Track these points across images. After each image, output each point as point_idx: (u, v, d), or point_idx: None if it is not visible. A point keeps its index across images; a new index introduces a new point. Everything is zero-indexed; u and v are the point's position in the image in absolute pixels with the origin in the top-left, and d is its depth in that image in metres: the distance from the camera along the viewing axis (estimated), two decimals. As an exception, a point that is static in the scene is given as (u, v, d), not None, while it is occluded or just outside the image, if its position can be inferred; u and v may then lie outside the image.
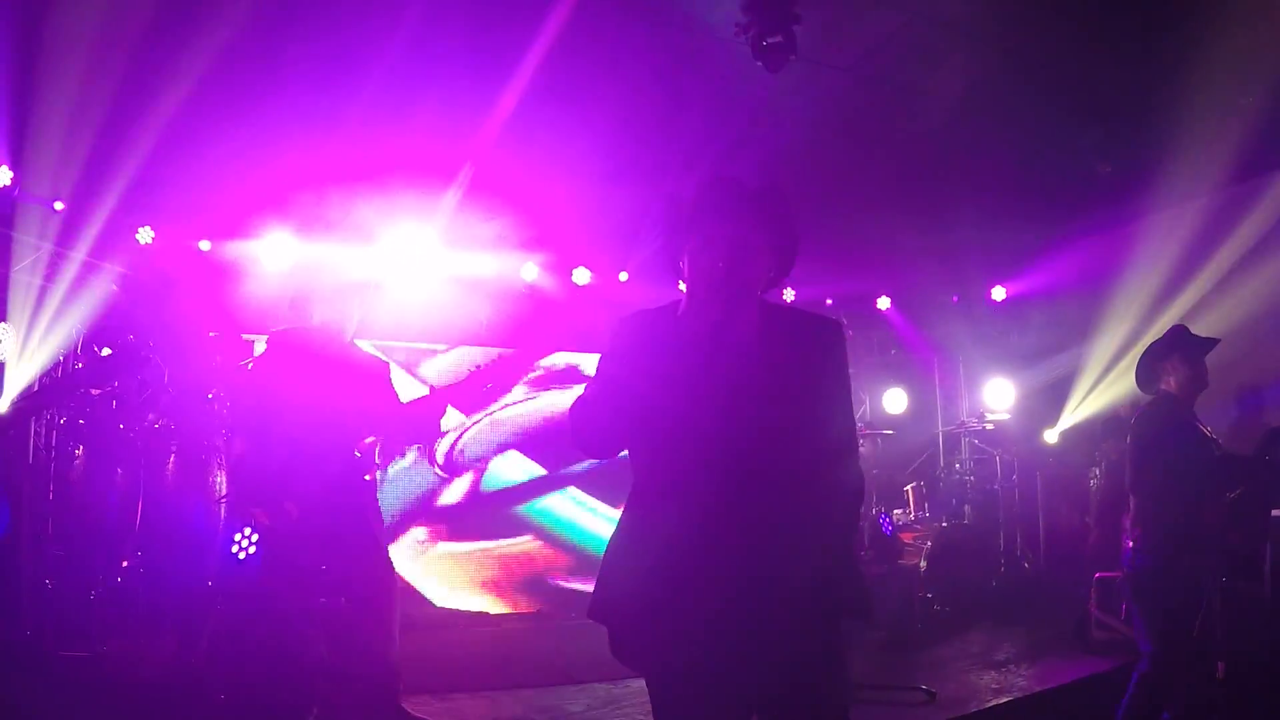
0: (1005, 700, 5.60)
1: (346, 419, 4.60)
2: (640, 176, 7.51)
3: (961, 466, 9.40)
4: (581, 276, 9.16)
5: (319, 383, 4.63)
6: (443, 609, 8.24)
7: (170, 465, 5.73)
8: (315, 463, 4.53)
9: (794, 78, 6.07)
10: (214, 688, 5.31)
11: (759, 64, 5.64)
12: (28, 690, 5.31)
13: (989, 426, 9.31)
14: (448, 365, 8.79)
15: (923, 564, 7.86)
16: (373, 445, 4.82)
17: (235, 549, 5.62)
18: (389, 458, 7.11)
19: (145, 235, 7.45)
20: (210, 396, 5.67)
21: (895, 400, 10.50)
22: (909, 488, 8.79)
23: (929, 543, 8.03)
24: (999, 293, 10.38)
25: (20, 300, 6.29)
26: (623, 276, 9.33)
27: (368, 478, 4.82)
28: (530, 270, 8.90)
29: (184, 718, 5.11)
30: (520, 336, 9.02)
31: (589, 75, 6.54)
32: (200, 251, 7.75)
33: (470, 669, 5.96)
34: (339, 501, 4.60)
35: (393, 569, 4.86)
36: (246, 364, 5.13)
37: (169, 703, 5.19)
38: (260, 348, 5.61)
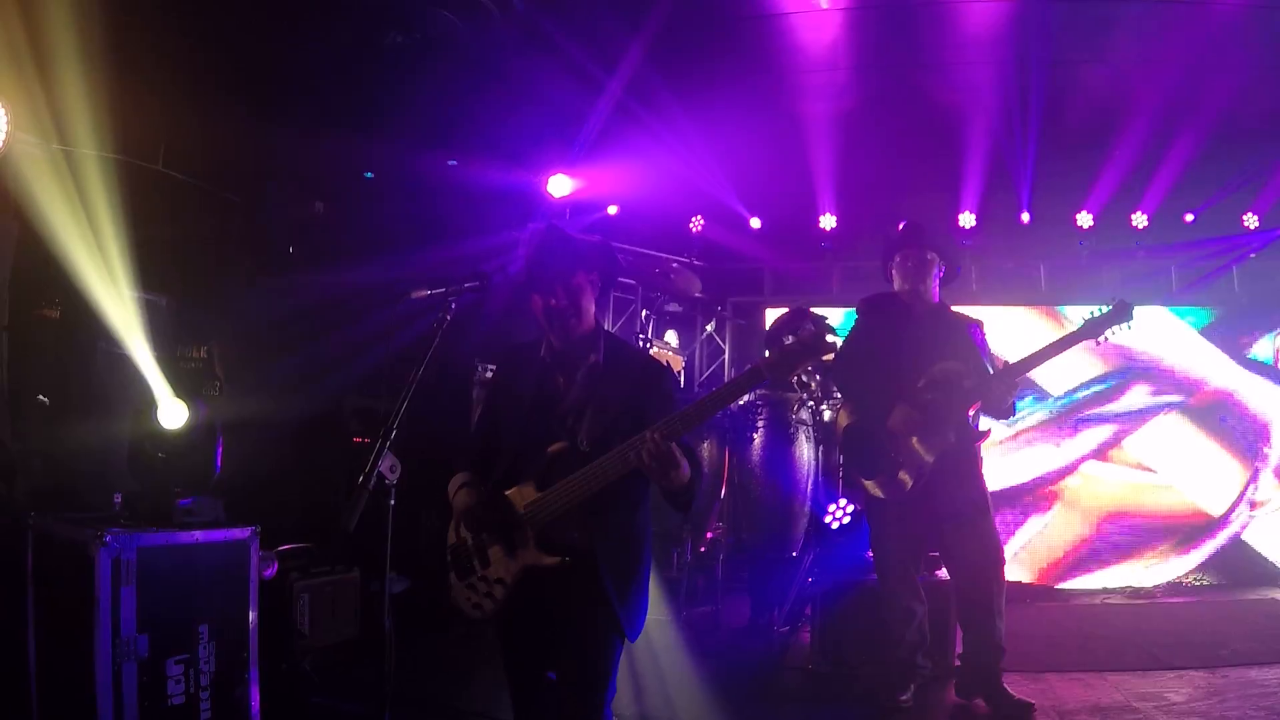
0: None
1: (958, 382, 4.51)
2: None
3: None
4: (1139, 220, 8.58)
5: (919, 346, 4.63)
6: (1031, 583, 8.12)
7: (757, 436, 6.05)
8: (931, 430, 4.52)
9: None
10: (799, 657, 5.51)
11: None
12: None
13: None
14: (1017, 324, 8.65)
15: None
16: (978, 409, 4.73)
17: (829, 519, 5.86)
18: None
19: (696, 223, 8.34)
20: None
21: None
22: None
23: None
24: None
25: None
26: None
27: (977, 444, 4.75)
28: (1085, 219, 8.58)
29: (764, 681, 5.23)
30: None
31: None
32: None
33: (1060, 648, 5.84)
34: (951, 470, 4.56)
35: (999, 541, 4.76)
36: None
37: (742, 667, 5.34)
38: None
